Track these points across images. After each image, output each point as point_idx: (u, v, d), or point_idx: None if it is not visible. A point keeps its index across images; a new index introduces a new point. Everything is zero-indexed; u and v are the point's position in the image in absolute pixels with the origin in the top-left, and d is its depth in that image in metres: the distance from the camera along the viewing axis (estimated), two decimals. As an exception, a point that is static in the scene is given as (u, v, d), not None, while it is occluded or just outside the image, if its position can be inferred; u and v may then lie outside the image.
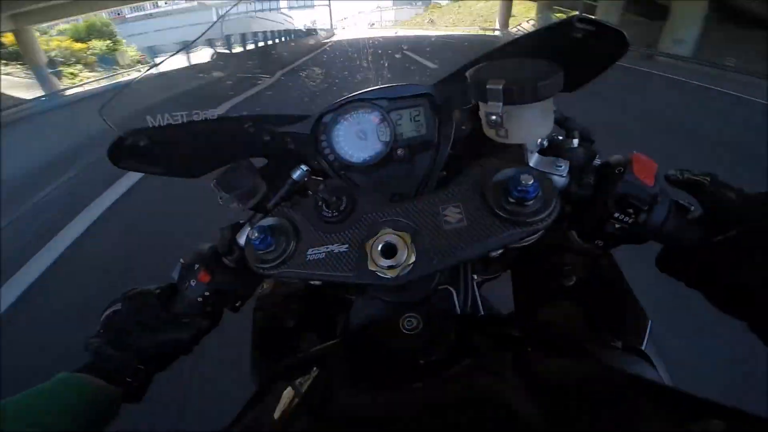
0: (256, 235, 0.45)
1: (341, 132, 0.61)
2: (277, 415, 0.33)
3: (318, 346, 0.55)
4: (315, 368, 0.37)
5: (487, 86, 0.39)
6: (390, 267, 0.41)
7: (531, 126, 0.42)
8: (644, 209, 0.43)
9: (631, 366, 0.50)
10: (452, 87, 0.60)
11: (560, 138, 0.51)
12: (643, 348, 0.61)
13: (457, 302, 0.52)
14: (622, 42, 0.50)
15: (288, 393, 0.35)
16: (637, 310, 0.66)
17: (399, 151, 0.60)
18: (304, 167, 0.55)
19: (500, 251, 0.47)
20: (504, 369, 0.30)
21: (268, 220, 0.49)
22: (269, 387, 0.39)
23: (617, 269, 0.70)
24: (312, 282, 0.56)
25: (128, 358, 0.48)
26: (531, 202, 0.41)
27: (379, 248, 0.42)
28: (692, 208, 0.46)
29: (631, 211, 0.44)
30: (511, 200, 0.41)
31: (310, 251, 0.46)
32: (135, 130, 0.52)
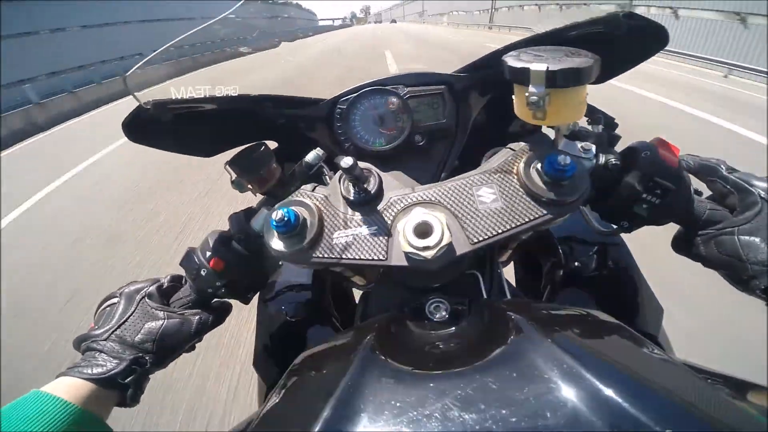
0: (280, 216, 0.42)
1: (358, 117, 0.59)
2: (304, 405, 0.32)
3: (333, 336, 0.54)
4: (340, 361, 0.34)
5: (531, 68, 0.40)
6: (425, 248, 0.39)
7: (568, 110, 0.43)
8: (672, 189, 0.45)
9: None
10: (472, 76, 0.59)
11: (586, 125, 0.51)
12: (657, 337, 0.60)
13: (482, 287, 0.50)
14: (664, 38, 0.51)
15: (318, 388, 0.33)
16: (650, 300, 0.66)
17: (417, 138, 0.59)
18: (320, 151, 0.53)
19: (529, 234, 0.47)
20: (542, 343, 0.29)
21: (291, 202, 0.47)
22: (292, 382, 0.37)
23: (630, 258, 0.70)
24: (334, 269, 0.54)
25: (124, 357, 0.43)
26: (566, 182, 0.41)
27: (413, 228, 0.41)
28: (702, 192, 0.49)
29: (659, 191, 0.45)
30: (548, 180, 0.41)
31: (336, 234, 0.44)
32: (157, 101, 0.49)
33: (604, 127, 0.52)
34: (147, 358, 0.45)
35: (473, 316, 0.42)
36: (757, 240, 0.40)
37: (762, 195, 0.42)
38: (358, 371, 0.31)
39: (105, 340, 0.44)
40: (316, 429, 0.26)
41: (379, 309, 0.52)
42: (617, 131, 0.55)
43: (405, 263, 0.41)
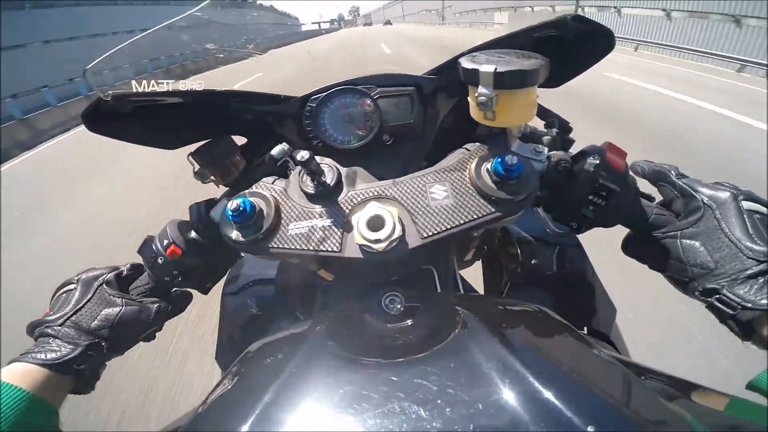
0: (235, 206, 0.43)
1: (328, 115, 0.60)
2: (248, 390, 0.32)
3: (292, 326, 0.55)
4: (291, 347, 0.35)
5: (480, 70, 0.41)
6: (377, 240, 0.41)
7: (516, 111, 0.45)
8: (616, 191, 0.47)
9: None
10: (441, 78, 0.60)
11: (540, 128, 0.53)
12: (609, 336, 0.63)
13: (437, 282, 0.52)
14: (610, 41, 0.54)
15: (264, 372, 0.34)
16: (604, 300, 0.70)
17: (385, 137, 0.61)
18: (285, 145, 0.53)
19: (481, 231, 0.49)
20: (484, 337, 0.31)
21: (247, 192, 0.48)
22: (241, 368, 0.37)
23: (586, 260, 0.73)
24: (290, 260, 0.55)
25: (79, 343, 0.43)
26: (513, 182, 0.43)
27: (366, 221, 0.42)
28: (653, 197, 0.51)
29: (603, 194, 0.48)
30: (496, 179, 0.43)
31: (292, 225, 0.45)
32: (117, 94, 0.49)
33: (558, 130, 0.54)
34: (103, 344, 0.45)
35: (425, 309, 0.44)
36: (697, 244, 0.42)
37: (704, 201, 0.43)
38: (304, 358, 0.31)
39: (60, 325, 0.44)
40: (256, 412, 0.26)
41: (338, 301, 0.53)
42: (571, 135, 0.57)
43: (359, 255, 0.42)
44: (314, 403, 0.27)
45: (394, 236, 0.41)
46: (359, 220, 0.43)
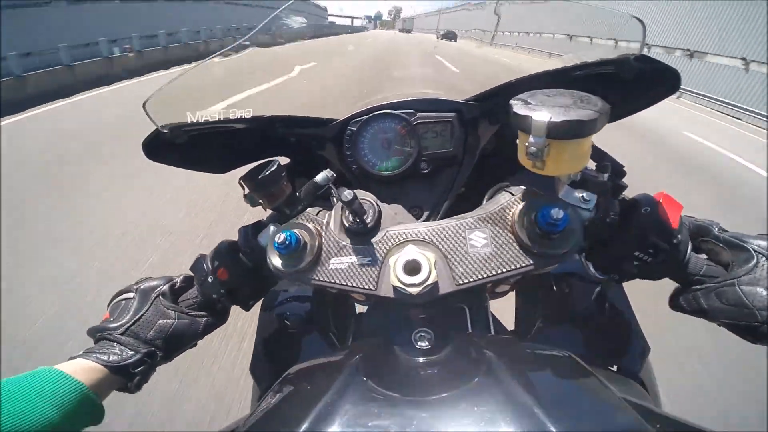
0: (282, 239, 0.45)
1: (367, 140, 0.61)
2: (288, 415, 0.34)
3: (327, 352, 0.55)
4: (327, 376, 0.37)
5: (533, 118, 0.39)
6: (412, 284, 0.42)
7: (568, 161, 0.42)
8: (665, 249, 0.45)
9: (622, 388, 0.50)
10: (483, 105, 0.59)
11: (591, 170, 0.50)
12: (639, 374, 0.59)
13: (469, 320, 0.52)
14: (675, 82, 0.51)
15: (303, 398, 0.36)
16: (638, 339, 0.66)
17: (422, 165, 0.60)
18: (329, 172, 0.54)
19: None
20: (508, 383, 0.31)
21: (294, 225, 0.50)
22: (280, 390, 0.39)
23: (625, 300, 0.70)
24: (330, 289, 0.57)
25: (138, 350, 0.47)
26: (557, 236, 0.42)
27: (403, 265, 0.43)
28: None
29: (651, 251, 0.45)
30: (538, 232, 0.42)
31: (332, 260, 0.47)
32: (173, 125, 0.53)
33: (611, 174, 0.50)
34: (158, 353, 0.49)
35: (454, 348, 0.44)
36: (759, 289, 0.41)
37: (756, 249, 0.44)
38: (339, 390, 0.33)
39: (121, 333, 0.48)
40: None
41: (370, 331, 0.54)
42: (625, 180, 0.54)
43: (392, 295, 0.44)
44: None
45: (429, 282, 0.42)
46: (396, 262, 0.43)
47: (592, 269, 0.56)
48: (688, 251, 0.46)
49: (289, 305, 0.75)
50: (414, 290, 0.42)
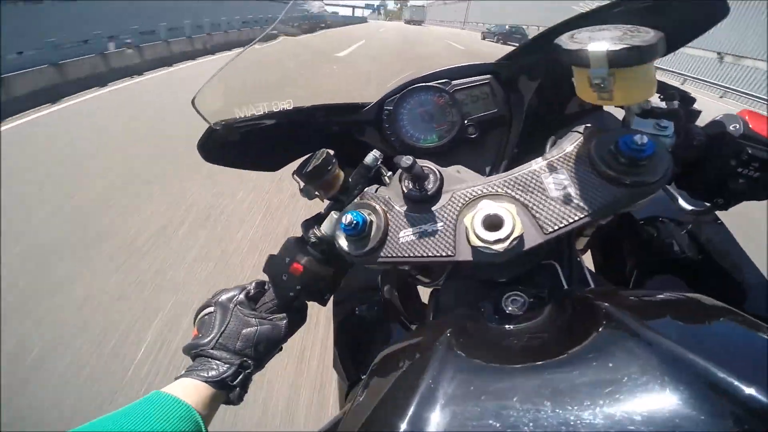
0: (349, 219, 0.44)
1: (405, 117, 0.60)
2: (388, 404, 0.32)
3: (408, 334, 0.52)
4: (417, 355, 0.35)
5: (589, 50, 0.38)
6: (497, 240, 0.38)
7: (638, 88, 0.41)
8: None
9: None
10: (518, 62, 0.57)
11: (660, 101, 0.48)
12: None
13: (562, 277, 0.48)
14: (723, 4, 0.48)
15: (395, 382, 0.34)
16: (756, 277, 0.59)
17: (470, 130, 0.58)
18: (377, 152, 0.53)
19: (609, 219, 0.45)
20: (642, 331, 0.27)
21: (357, 206, 0.48)
22: (371, 378, 0.38)
23: (729, 236, 0.63)
24: (401, 267, 0.55)
25: (232, 362, 0.48)
26: (645, 162, 0.38)
27: (482, 221, 0.40)
28: None
29: (756, 164, 0.43)
30: (623, 161, 0.39)
31: (402, 233, 0.45)
32: (225, 121, 0.53)
33: (680, 102, 0.48)
34: (250, 362, 0.50)
35: (555, 307, 0.40)
36: None
37: None
38: (437, 369, 0.30)
39: (212, 348, 0.49)
40: (403, 428, 0.26)
41: (451, 305, 0.52)
42: (696, 106, 0.51)
43: (475, 258, 0.41)
44: (457, 415, 0.26)
45: (515, 234, 0.38)
46: (473, 220, 0.40)
47: (683, 203, 0.52)
48: None
49: (359, 296, 0.75)
50: (500, 246, 0.38)
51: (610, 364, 0.25)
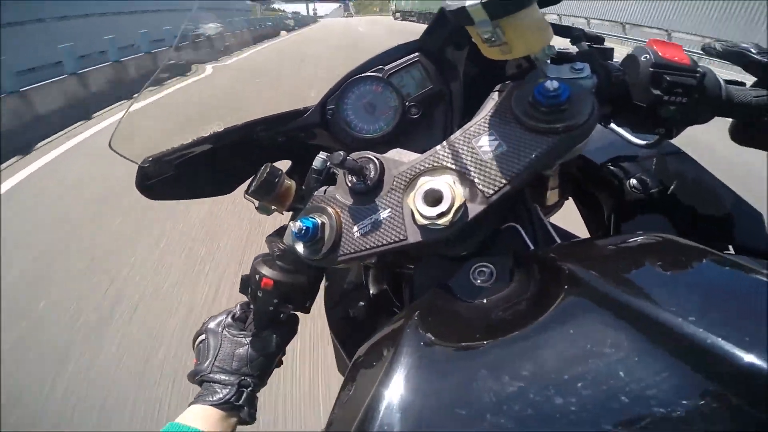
0: (299, 226, 0.44)
1: (349, 111, 0.60)
2: (357, 397, 0.32)
3: (389, 324, 0.52)
4: (389, 346, 0.34)
5: (467, 7, 0.38)
6: (440, 215, 0.38)
7: (530, 34, 0.40)
8: (692, 84, 0.43)
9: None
10: (439, 34, 0.57)
11: (572, 46, 0.49)
12: (762, 248, 0.53)
13: (526, 238, 0.47)
14: None
15: (366, 374, 0.34)
16: (741, 208, 0.58)
17: (413, 111, 0.58)
18: (323, 154, 0.54)
19: (555, 169, 0.46)
20: (601, 286, 0.26)
21: (306, 212, 0.49)
22: (354, 374, 0.38)
23: (696, 165, 0.62)
24: (366, 262, 0.54)
25: (231, 383, 0.50)
26: (565, 106, 0.38)
27: (422, 198, 0.40)
28: (743, 81, 0.47)
29: (680, 90, 0.43)
30: (544, 110, 0.39)
31: (355, 228, 0.45)
32: (153, 157, 0.51)
33: (589, 42, 0.48)
34: (249, 380, 0.52)
35: (522, 273, 0.40)
36: None
37: None
38: (398, 356, 0.30)
39: (211, 373, 0.51)
40: (365, 416, 0.25)
41: (424, 287, 0.51)
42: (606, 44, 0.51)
43: (425, 237, 0.40)
44: (418, 400, 0.26)
45: (456, 204, 0.38)
46: (415, 199, 0.40)
47: (633, 138, 0.53)
48: (722, 82, 0.44)
49: (349, 297, 0.75)
50: (444, 220, 0.38)
51: (571, 331, 0.25)
